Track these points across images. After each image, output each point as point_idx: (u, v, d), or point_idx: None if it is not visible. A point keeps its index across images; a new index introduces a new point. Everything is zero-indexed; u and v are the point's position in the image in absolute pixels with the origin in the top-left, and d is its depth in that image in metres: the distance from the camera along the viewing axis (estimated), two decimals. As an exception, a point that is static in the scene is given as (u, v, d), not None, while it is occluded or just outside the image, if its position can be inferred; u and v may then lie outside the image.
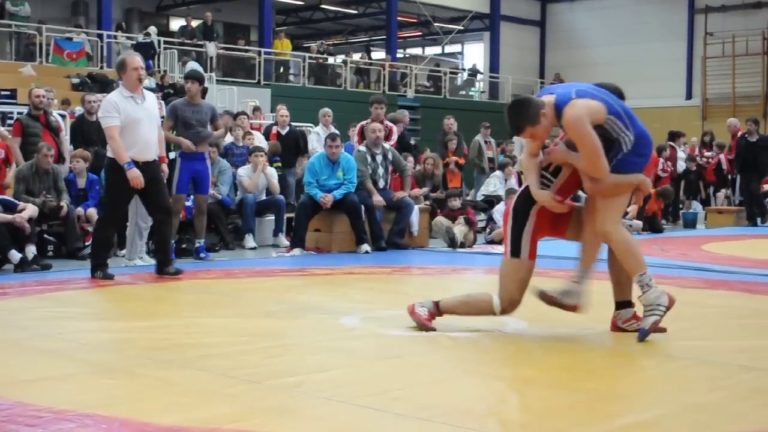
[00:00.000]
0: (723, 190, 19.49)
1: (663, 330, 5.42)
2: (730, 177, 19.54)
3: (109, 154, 8.42)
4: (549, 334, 5.81)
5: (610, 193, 5.45)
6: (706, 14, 31.87)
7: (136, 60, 8.47)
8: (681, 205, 18.69)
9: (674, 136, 18.84)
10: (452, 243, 11.92)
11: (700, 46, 31.94)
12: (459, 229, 12.06)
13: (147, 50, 21.63)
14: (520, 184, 14.82)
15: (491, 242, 12.72)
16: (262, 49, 26.79)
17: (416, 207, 12.07)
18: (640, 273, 5.41)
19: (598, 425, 3.76)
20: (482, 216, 14.33)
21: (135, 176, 8.17)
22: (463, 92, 34.54)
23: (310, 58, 28.63)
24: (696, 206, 18.40)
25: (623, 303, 5.78)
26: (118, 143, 8.20)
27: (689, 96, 32.39)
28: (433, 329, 5.67)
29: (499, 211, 12.95)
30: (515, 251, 5.66)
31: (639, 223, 14.53)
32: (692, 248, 12.46)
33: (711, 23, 31.77)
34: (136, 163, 8.24)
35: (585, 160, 5.35)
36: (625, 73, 32.83)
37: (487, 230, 13.35)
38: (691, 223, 17.38)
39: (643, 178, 5.64)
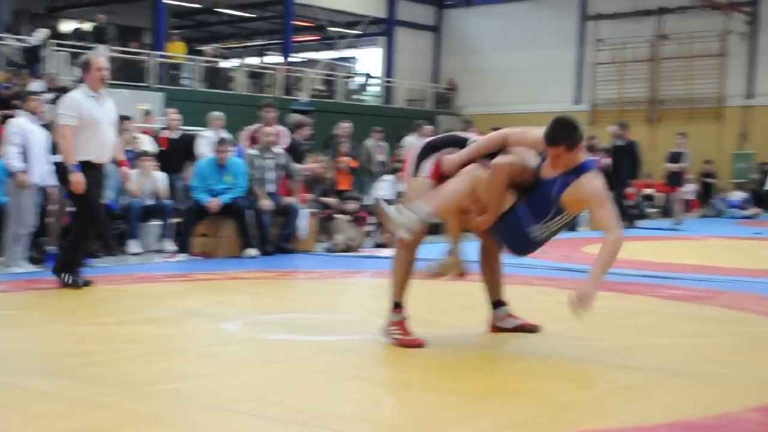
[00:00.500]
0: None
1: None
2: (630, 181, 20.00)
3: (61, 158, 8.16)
4: (427, 336, 5.86)
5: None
6: (596, 21, 32.58)
7: (101, 60, 8.27)
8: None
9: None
10: (344, 248, 12.00)
11: (591, 52, 32.64)
12: (349, 233, 12.12)
13: (34, 54, 21.12)
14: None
15: (380, 245, 12.78)
16: (155, 53, 26.43)
17: (304, 211, 12.06)
18: None
19: (470, 425, 3.82)
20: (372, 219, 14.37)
21: (78, 181, 7.90)
22: (357, 97, 34.65)
23: (204, 61, 28.36)
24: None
25: (497, 303, 5.90)
26: (69, 144, 7.94)
27: (578, 101, 33.06)
28: (420, 344, 5.47)
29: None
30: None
31: None
32: (573, 250, 12.73)
33: (601, 30, 32.49)
34: (93, 166, 8.05)
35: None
36: (517, 78, 33.44)
37: (376, 234, 13.41)
38: (571, 225, 17.71)
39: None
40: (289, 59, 31.84)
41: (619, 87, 32.00)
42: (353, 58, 40.21)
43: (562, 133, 5.26)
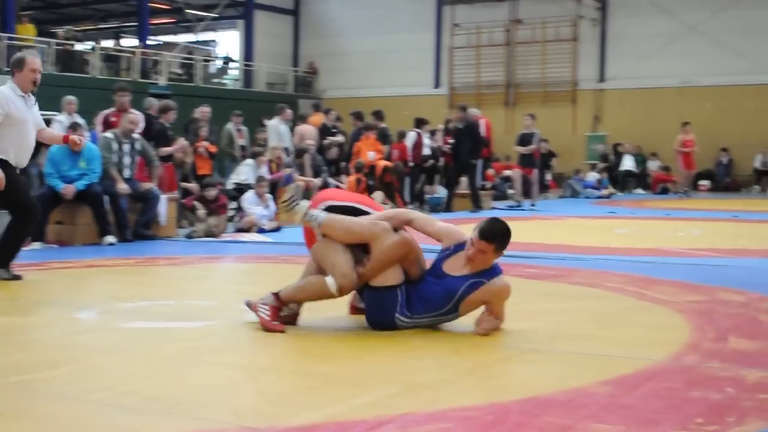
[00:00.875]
0: (464, 176, 20.24)
1: None
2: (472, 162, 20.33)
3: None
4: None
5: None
6: (453, 6, 33.00)
7: (37, 62, 7.83)
8: (424, 191, 19.28)
9: (420, 123, 19.37)
10: (205, 234, 11.87)
11: (448, 36, 33.06)
12: (210, 219, 11.99)
13: None
14: (271, 172, 14.86)
15: (241, 230, 12.68)
16: (3, 35, 25.51)
17: (164, 197, 11.86)
18: None
19: (329, 408, 3.82)
20: (233, 204, 14.25)
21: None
22: (217, 80, 34.24)
23: (57, 44, 27.54)
24: (441, 191, 19.02)
25: None
26: None
27: (437, 85, 33.48)
28: (282, 330, 5.39)
29: (248, 199, 12.95)
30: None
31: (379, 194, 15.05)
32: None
33: (458, 15, 32.93)
34: (11, 166, 7.60)
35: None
36: (377, 62, 33.65)
37: (237, 218, 13.31)
38: (435, 207, 17.99)
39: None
40: (146, 42, 31.22)
41: (476, 71, 32.53)
42: (213, 41, 39.75)
43: (499, 234, 5.35)
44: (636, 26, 29.75)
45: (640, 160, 28.88)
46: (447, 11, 33.21)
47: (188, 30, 37.39)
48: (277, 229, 12.80)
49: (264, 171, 14.84)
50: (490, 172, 21.85)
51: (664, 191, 26.35)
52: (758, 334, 5.42)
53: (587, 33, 30.98)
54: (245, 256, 10.32)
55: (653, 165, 28.66)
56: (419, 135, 18.65)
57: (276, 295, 5.52)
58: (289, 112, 18.08)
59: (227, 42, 38.37)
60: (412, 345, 5.12)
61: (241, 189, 14.34)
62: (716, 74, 28.11)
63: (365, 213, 5.66)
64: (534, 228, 14.39)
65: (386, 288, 5.38)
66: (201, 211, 12.16)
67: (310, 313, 6.00)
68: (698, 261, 9.30)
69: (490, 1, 32.28)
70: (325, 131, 18.16)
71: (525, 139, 19.90)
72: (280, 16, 35.85)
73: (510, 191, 23.92)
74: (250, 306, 5.56)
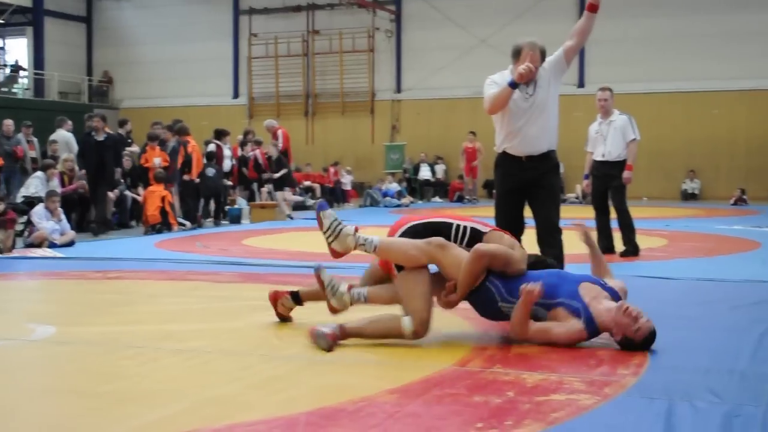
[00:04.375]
0: (266, 186, 20.21)
1: None
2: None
3: None
4: (79, 339, 5.68)
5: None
6: (250, 15, 32.88)
7: None
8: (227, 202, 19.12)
9: (220, 134, 19.19)
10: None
11: (246, 46, 32.91)
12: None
13: None
14: (63, 185, 14.37)
15: (31, 245, 12.20)
16: None
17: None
18: None
19: (111, 429, 3.73)
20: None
21: None
22: (6, 89, 32.86)
23: None
24: (241, 202, 18.91)
25: None
26: None
27: (236, 95, 33.27)
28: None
29: (38, 213, 12.48)
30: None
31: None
32: (233, 243, 12.82)
33: (255, 25, 32.83)
34: None
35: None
36: (175, 71, 33.14)
37: (26, 233, 12.78)
38: (236, 219, 17.85)
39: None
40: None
41: (275, 81, 32.53)
42: (1, 49, 38.09)
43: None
44: (430, 39, 30.48)
45: (434, 169, 29.65)
46: (244, 20, 33.05)
47: (-27, 37, 35.73)
48: (69, 244, 12.38)
49: (55, 184, 14.34)
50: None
51: (460, 199, 27.10)
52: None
53: (383, 44, 31.51)
54: (35, 272, 9.92)
55: (440, 170, 29.48)
56: (219, 146, 18.46)
57: (341, 327, 5.33)
58: (69, 123, 17.53)
59: (16, 50, 36.84)
60: (202, 360, 5.06)
61: (30, 202, 13.82)
62: (506, 85, 29.08)
63: (448, 225, 5.60)
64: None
65: (475, 289, 5.40)
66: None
67: (99, 327, 5.85)
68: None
69: (287, 12, 32.33)
70: (121, 142, 17.70)
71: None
72: (71, 24, 34.74)
73: (311, 201, 24.02)
74: (311, 332, 5.33)
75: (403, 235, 5.56)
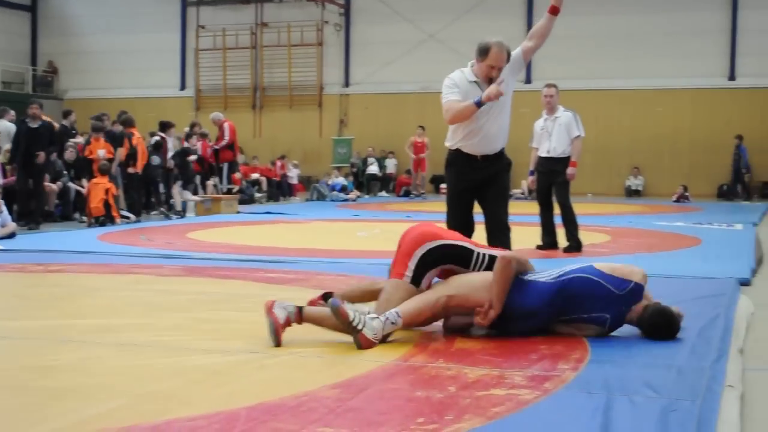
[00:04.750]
0: (211, 179, 20.12)
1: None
2: (217, 166, 20.27)
3: None
4: (17, 333, 5.61)
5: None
6: (198, 7, 32.63)
7: None
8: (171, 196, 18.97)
9: (165, 126, 19.03)
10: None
11: (193, 38, 32.65)
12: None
13: None
14: (4, 176, 14.13)
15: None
16: None
17: None
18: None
19: (48, 424, 3.68)
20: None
21: None
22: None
23: None
24: (186, 195, 18.76)
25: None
26: None
27: (183, 87, 33.02)
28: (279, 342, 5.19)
29: None
30: (417, 280, 5.53)
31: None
32: (178, 236, 12.73)
33: (203, 16, 32.60)
34: None
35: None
36: (122, 62, 32.79)
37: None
38: (181, 212, 17.73)
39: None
40: None
41: (223, 74, 32.34)
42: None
43: None
44: (378, 33, 30.48)
45: (384, 163, 29.70)
46: (192, 12, 32.80)
47: None
48: (11, 236, 12.20)
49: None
50: (237, 175, 21.77)
51: (407, 194, 27.15)
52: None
53: (332, 38, 31.45)
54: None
55: (390, 164, 29.53)
56: (164, 138, 18.31)
57: (299, 309, 5.33)
58: (12, 113, 17.26)
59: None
60: (143, 354, 5.01)
61: (-30, 194, 13.59)
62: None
63: (469, 252, 5.61)
64: (278, 231, 14.46)
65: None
66: None
67: (38, 321, 5.78)
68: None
69: (236, 4, 32.15)
70: (65, 133, 17.47)
71: None
72: (16, 12, 34.24)
73: (258, 195, 23.95)
74: (268, 308, 5.29)
75: (421, 261, 5.53)
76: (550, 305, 5.38)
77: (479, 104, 6.64)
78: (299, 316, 5.34)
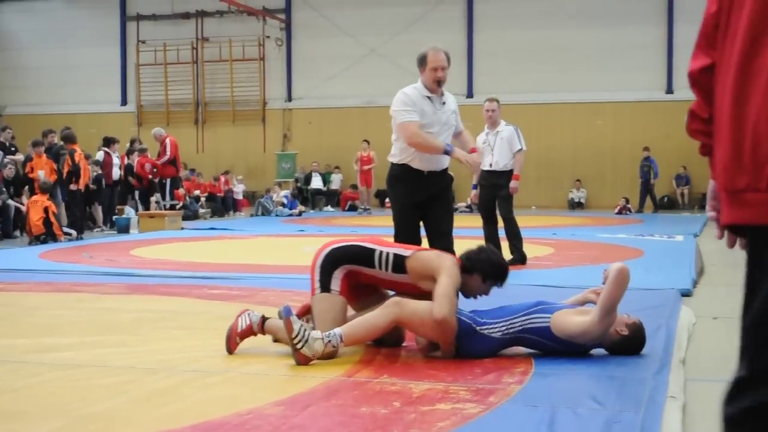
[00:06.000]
0: (155, 195, 19.96)
1: None
2: (160, 182, 20.10)
3: None
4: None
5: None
6: (138, 21, 32.37)
7: None
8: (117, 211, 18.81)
9: (109, 142, 18.88)
10: None
11: (134, 53, 32.38)
12: None
13: None
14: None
15: None
16: None
17: None
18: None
19: (-12, 447, 3.62)
20: None
21: None
22: None
23: None
24: (129, 211, 18.60)
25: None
26: None
27: (124, 102, 32.72)
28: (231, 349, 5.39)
29: None
30: (325, 286, 5.44)
31: None
32: (121, 254, 12.59)
33: (143, 31, 32.34)
34: None
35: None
36: (60, 77, 32.39)
37: None
38: (124, 229, 17.55)
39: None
40: None
41: (164, 89, 32.10)
42: None
43: None
44: (320, 47, 30.45)
45: (329, 178, 29.66)
46: (132, 27, 32.52)
47: None
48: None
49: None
50: (180, 191, 21.61)
51: (353, 208, 27.14)
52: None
53: (274, 53, 31.36)
54: None
55: (336, 179, 29.51)
56: (108, 154, 18.16)
57: (263, 320, 5.45)
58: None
59: None
60: (84, 374, 4.95)
61: None
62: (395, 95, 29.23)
63: (370, 252, 5.53)
64: (223, 247, 14.38)
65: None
66: None
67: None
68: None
69: (176, 18, 31.93)
70: (3, 150, 17.23)
71: None
72: (-49, 28, 33.73)
73: (202, 210, 23.79)
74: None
75: (323, 264, 5.49)
76: (500, 350, 5.38)
77: (448, 153, 6.82)
78: (261, 326, 5.43)
